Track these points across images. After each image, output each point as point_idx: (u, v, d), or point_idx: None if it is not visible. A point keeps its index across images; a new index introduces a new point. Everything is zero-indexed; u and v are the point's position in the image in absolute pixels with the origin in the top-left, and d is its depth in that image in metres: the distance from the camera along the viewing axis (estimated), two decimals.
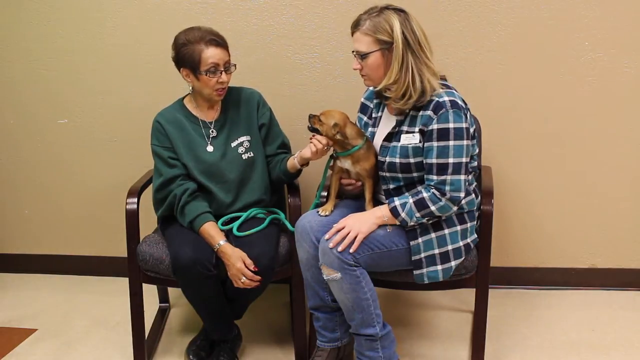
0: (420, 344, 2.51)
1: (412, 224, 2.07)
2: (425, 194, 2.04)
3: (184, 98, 2.45)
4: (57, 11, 2.90)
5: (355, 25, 2.05)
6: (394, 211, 2.07)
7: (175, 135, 2.36)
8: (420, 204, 2.04)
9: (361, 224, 2.06)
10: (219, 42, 2.28)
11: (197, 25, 2.32)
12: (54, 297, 3.02)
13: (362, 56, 2.04)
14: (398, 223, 2.08)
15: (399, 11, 2.03)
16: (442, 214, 2.07)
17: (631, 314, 2.68)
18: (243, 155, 2.40)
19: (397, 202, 2.07)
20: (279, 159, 2.44)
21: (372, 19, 2.01)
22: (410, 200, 2.05)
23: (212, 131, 2.39)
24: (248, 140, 2.42)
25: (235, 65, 2.33)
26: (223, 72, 2.28)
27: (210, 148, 2.38)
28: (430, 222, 2.10)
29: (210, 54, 2.24)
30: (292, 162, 2.36)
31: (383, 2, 2.07)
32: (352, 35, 2.07)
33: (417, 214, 2.05)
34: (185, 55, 2.26)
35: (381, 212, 2.09)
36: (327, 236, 2.06)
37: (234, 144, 2.40)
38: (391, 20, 2.00)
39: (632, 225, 2.83)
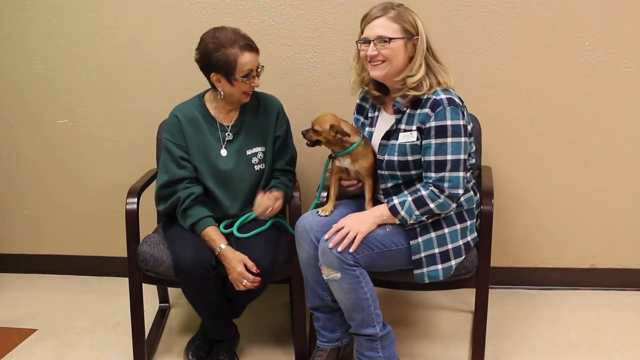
0: (420, 344, 2.51)
1: (411, 222, 2.07)
2: (423, 192, 2.04)
3: (204, 95, 2.40)
4: (57, 11, 2.90)
5: (378, 14, 2.06)
6: (392, 210, 2.07)
7: (191, 135, 2.33)
8: (419, 202, 2.04)
9: (360, 223, 2.06)
10: (253, 46, 2.23)
11: (221, 26, 2.24)
12: (54, 297, 3.02)
13: (385, 41, 2.04)
14: (397, 222, 2.08)
15: (411, 11, 2.10)
16: (441, 211, 2.07)
17: (631, 314, 2.68)
18: (256, 166, 2.38)
19: (395, 200, 2.07)
20: (280, 181, 2.41)
21: (395, 10, 2.06)
22: (409, 199, 2.05)
23: (229, 134, 2.36)
24: (262, 152, 2.39)
25: (263, 66, 2.29)
26: (256, 77, 2.26)
27: (224, 152, 2.35)
28: (430, 220, 2.10)
29: (247, 60, 2.19)
30: None
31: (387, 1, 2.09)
32: (369, 23, 2.07)
33: (416, 212, 2.05)
34: (219, 61, 2.18)
35: (380, 212, 2.10)
36: (326, 236, 2.06)
37: (248, 152, 2.37)
38: (413, 15, 2.08)
39: (632, 225, 2.83)
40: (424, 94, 2.06)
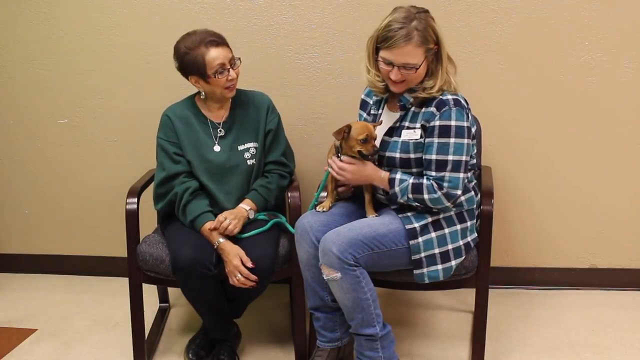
0: (420, 343, 2.51)
1: (400, 201, 2.09)
2: (425, 181, 2.06)
3: (195, 96, 2.44)
4: (57, 11, 2.90)
5: (403, 41, 1.96)
6: (391, 181, 2.09)
7: (182, 132, 2.36)
8: (417, 188, 2.06)
9: (359, 177, 2.13)
10: (219, 41, 2.27)
11: (192, 30, 2.30)
12: (54, 297, 3.02)
13: (412, 68, 2.01)
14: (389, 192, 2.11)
15: (425, 12, 2.04)
16: (433, 205, 2.07)
17: (631, 314, 2.68)
18: (248, 161, 2.40)
19: (398, 175, 2.09)
20: (260, 184, 2.40)
21: (418, 29, 1.98)
22: (410, 181, 2.07)
23: (220, 131, 2.39)
24: (255, 147, 2.41)
25: (239, 58, 2.33)
26: (230, 69, 2.28)
27: (217, 148, 2.38)
28: (431, 221, 2.10)
29: (214, 56, 2.24)
30: None
31: (398, 3, 2.07)
32: (393, 49, 1.99)
33: (410, 195, 2.07)
34: (190, 64, 2.25)
35: (381, 179, 2.12)
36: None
37: (241, 148, 2.40)
38: (433, 25, 2.02)
39: (632, 225, 2.83)
40: (433, 95, 2.06)
